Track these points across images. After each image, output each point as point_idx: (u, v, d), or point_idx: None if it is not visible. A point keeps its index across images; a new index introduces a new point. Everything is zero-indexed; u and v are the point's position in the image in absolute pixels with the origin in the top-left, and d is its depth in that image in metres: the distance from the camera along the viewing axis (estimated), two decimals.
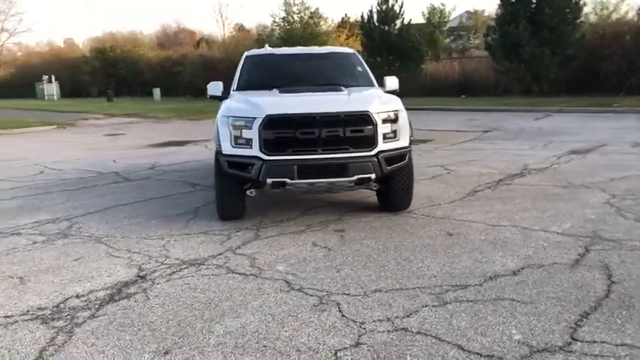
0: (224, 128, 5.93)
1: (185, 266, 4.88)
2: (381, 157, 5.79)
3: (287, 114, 5.71)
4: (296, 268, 4.72)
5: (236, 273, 4.67)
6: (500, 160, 9.84)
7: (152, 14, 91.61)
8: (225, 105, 6.21)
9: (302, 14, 29.21)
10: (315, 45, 26.86)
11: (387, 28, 26.04)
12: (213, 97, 7.05)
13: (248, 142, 5.75)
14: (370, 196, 6.80)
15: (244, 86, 7.02)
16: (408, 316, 3.73)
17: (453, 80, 26.64)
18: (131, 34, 49.36)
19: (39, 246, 5.66)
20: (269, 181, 5.70)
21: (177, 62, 36.71)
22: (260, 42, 29.86)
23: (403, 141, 6.05)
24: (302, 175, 5.67)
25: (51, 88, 39.09)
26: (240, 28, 49.11)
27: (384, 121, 5.89)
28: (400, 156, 6.00)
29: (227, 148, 5.87)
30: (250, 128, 5.73)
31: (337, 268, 4.71)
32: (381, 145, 5.82)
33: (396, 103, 6.15)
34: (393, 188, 6.29)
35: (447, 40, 41.71)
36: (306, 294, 4.18)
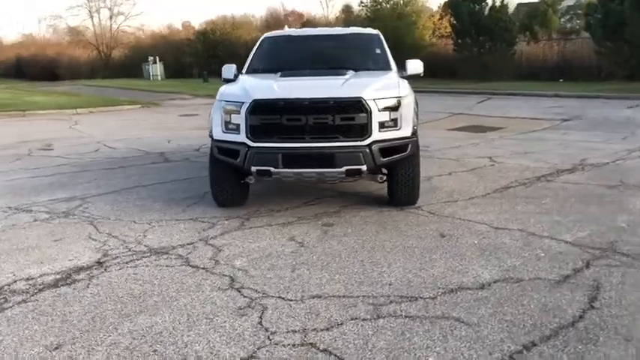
0: (216, 113, 5.72)
1: (148, 255, 4.75)
2: (375, 148, 5.32)
3: (273, 99, 5.39)
4: (253, 265, 4.44)
5: (190, 265, 4.47)
6: (559, 153, 8.92)
7: None
8: (221, 89, 5.98)
9: None
10: (402, 25, 26.11)
11: (476, 7, 24.58)
12: (227, 80, 6.83)
13: (237, 128, 5.51)
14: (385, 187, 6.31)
15: (254, 69, 6.77)
16: (327, 329, 3.35)
17: (552, 63, 24.76)
18: (244, 17, 50.62)
19: (35, 224, 5.76)
20: (253, 169, 5.42)
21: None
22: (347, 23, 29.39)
23: (405, 130, 5.54)
24: (287, 164, 5.35)
25: (155, 69, 40.98)
26: (345, 10, 48.67)
27: (382, 108, 5.40)
28: (400, 147, 5.50)
29: (218, 133, 5.66)
30: (239, 113, 5.48)
31: (295, 267, 4.37)
32: (377, 135, 5.35)
33: (401, 89, 5.63)
34: (396, 182, 5.81)
35: (563, 20, 38.82)
36: (241, 294, 3.89)
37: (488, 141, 10.59)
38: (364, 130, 5.30)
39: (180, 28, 58.52)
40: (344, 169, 5.32)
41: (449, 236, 5.01)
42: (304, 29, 8.94)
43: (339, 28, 7.89)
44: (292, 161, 5.33)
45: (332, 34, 7.43)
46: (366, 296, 3.80)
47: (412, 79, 6.75)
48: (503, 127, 12.70)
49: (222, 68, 6.93)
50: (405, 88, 5.71)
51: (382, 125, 5.41)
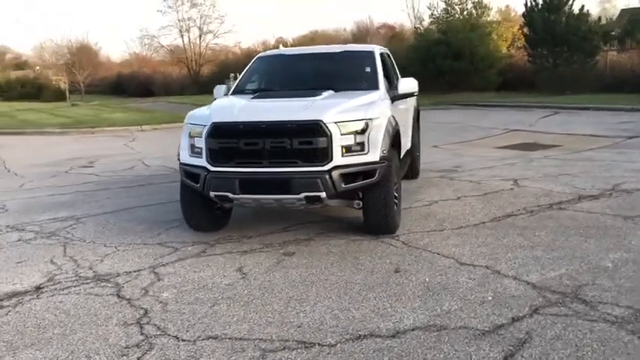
0: (184, 135, 5.63)
1: (88, 282, 4.70)
2: (336, 174, 4.99)
3: (231, 122, 5.22)
4: (178, 297, 4.27)
5: (118, 295, 4.38)
6: (597, 176, 8.11)
7: (348, 11, 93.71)
8: (191, 111, 5.88)
9: (463, 4, 27.39)
10: (475, 37, 25.17)
11: (552, 16, 23.21)
12: None
13: (200, 152, 5.37)
14: None
15: (240, 90, 6.63)
16: None
17: None
18: (335, 31, 50.89)
19: (16, 244, 5.92)
20: (212, 194, 5.26)
21: None
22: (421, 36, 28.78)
23: (372, 155, 5.16)
24: (244, 190, 5.14)
25: None
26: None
27: (347, 132, 5.08)
28: (366, 172, 5.14)
29: (184, 157, 5.56)
30: (201, 136, 5.35)
31: (217, 301, 4.15)
32: (339, 160, 5.03)
33: (370, 111, 5.27)
34: (367, 210, 5.44)
35: None
36: (140, 331, 3.73)
37: (527, 161, 9.84)
38: (324, 155, 4.99)
39: (273, 44, 59.79)
40: (302, 195, 5.03)
41: (403, 272, 4.59)
42: (298, 48, 8.72)
43: (334, 46, 7.59)
44: (249, 187, 5.12)
45: (323, 53, 7.17)
46: (264, 340, 3.51)
47: (406, 98, 6.36)
48: (556, 145, 11.83)
49: (214, 89, 6.84)
50: (377, 110, 5.35)
51: (348, 149, 5.09)
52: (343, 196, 5.26)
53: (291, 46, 43.91)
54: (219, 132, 5.20)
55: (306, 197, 5.04)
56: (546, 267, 4.53)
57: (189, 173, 5.46)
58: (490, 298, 3.98)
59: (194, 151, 5.45)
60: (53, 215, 7.12)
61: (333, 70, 6.69)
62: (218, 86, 6.87)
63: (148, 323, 3.83)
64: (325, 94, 5.73)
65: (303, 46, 41.21)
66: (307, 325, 3.67)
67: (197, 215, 5.77)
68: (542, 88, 23.02)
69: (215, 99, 6.73)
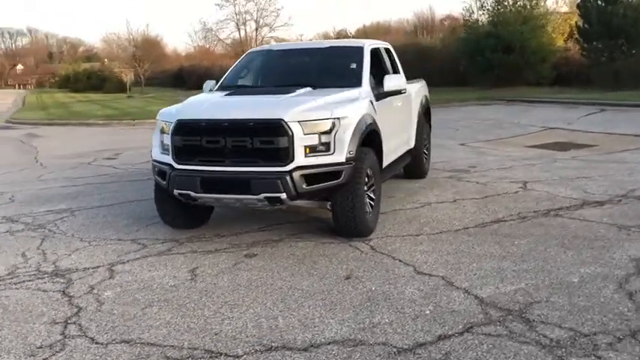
0: (156, 132, 5.60)
1: (44, 277, 4.76)
2: (297, 174, 4.83)
3: (194, 119, 5.15)
4: (117, 297, 4.28)
5: (63, 292, 4.41)
6: (616, 180, 7.61)
7: (411, 2, 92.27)
8: (165, 108, 5.84)
9: None
10: (527, 29, 24.18)
11: (609, 7, 21.94)
12: None
13: (168, 149, 5.33)
14: None
15: (224, 85, 6.55)
16: None
17: None
18: (398, 23, 50.09)
19: (1, 236, 6.03)
20: (175, 192, 5.20)
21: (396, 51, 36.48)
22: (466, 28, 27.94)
23: (338, 156, 4.97)
24: (205, 188, 5.06)
25: None
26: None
27: (311, 131, 4.91)
28: (331, 174, 4.95)
29: (156, 153, 5.54)
30: (168, 133, 5.30)
31: (151, 304, 4.11)
32: (301, 160, 4.87)
33: (339, 110, 5.07)
34: (335, 212, 5.25)
35: None
36: (63, 331, 3.73)
37: (550, 162, 9.33)
38: (285, 155, 4.84)
39: (333, 36, 59.48)
40: (262, 196, 4.90)
41: (354, 279, 4.39)
42: (288, 43, 8.53)
43: (323, 41, 7.40)
44: (210, 186, 5.04)
45: (311, 49, 7.00)
46: (174, 347, 3.41)
47: (389, 96, 6.11)
48: (590, 145, 11.19)
49: (204, 84, 6.79)
50: (346, 109, 5.13)
51: (312, 149, 4.92)
52: (308, 197, 5.08)
53: (351, 36, 43.38)
54: (183, 129, 5.13)
55: (266, 198, 4.91)
56: (506, 280, 4.22)
57: (158, 170, 5.43)
58: (428, 312, 3.73)
59: (164, 148, 5.41)
60: (52, 207, 7.27)
61: (318, 66, 6.51)
62: (208, 81, 6.81)
63: (73, 323, 3.80)
64: (300, 91, 5.57)
65: (362, 37, 40.77)
66: (225, 334, 3.55)
67: (170, 212, 5.73)
68: (597, 83, 21.87)
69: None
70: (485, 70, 24.62)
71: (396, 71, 7.32)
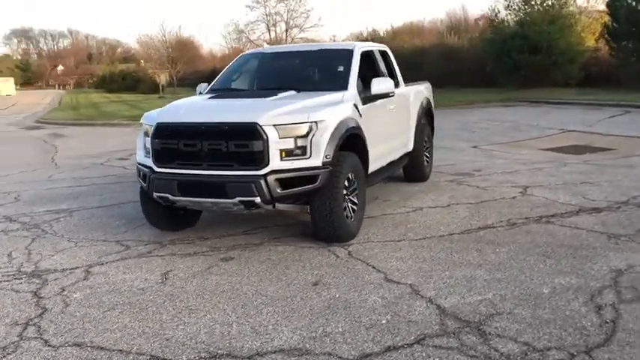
0: (140, 135, 5.64)
1: (20, 277, 4.85)
2: (272, 178, 4.81)
3: (172, 122, 5.18)
4: (84, 299, 4.32)
5: (35, 294, 4.47)
6: (621, 186, 7.38)
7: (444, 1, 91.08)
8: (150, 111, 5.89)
9: None
10: (555, 29, 23.65)
11: (639, 6, 21.26)
12: None
13: (149, 151, 5.38)
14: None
15: (214, 88, 6.57)
16: None
17: None
18: (431, 23, 49.54)
19: None
20: (155, 195, 5.24)
21: (422, 52, 36.13)
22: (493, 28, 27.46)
23: (315, 159, 4.93)
24: (182, 192, 5.09)
25: None
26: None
27: (286, 135, 4.88)
28: (307, 178, 4.92)
29: (139, 156, 5.59)
30: (149, 136, 5.35)
31: (114, 307, 4.14)
32: (277, 164, 4.84)
33: (316, 114, 5.02)
34: (313, 217, 5.21)
35: None
36: (22, 334, 3.78)
37: (558, 166, 9.10)
38: (260, 159, 4.82)
39: (365, 36, 59.10)
40: (237, 199, 4.90)
41: (322, 285, 4.35)
42: (280, 46, 8.47)
43: (314, 44, 7.33)
44: (187, 189, 5.06)
45: (301, 52, 6.96)
46: (122, 351, 3.43)
47: (377, 99, 6.03)
48: (608, 149, 10.89)
49: (197, 86, 6.83)
50: (324, 113, 5.08)
51: (288, 153, 4.89)
52: (285, 201, 5.05)
53: (384, 36, 42.94)
54: (162, 132, 5.16)
55: (241, 202, 4.89)
56: (474, 290, 4.12)
57: (140, 173, 5.47)
58: (384, 321, 3.66)
59: (146, 150, 5.45)
60: (52, 207, 7.40)
61: (306, 69, 6.49)
62: (200, 84, 6.83)
63: (34, 324, 3.85)
64: (283, 94, 5.54)
65: (393, 39, 40.43)
66: (176, 339, 3.55)
67: (154, 214, 5.77)
68: (626, 84, 21.26)
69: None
70: (511, 71, 24.19)
71: (392, 74, 7.23)
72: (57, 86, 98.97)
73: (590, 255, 4.76)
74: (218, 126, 4.93)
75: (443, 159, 10.13)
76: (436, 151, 10.77)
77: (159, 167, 5.19)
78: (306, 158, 4.91)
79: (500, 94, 23.21)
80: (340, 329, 3.58)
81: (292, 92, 5.65)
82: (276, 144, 4.81)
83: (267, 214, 6.01)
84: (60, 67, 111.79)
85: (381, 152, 6.40)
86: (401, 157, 7.45)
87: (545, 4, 25.42)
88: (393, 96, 6.12)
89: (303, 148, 4.91)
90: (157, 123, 5.19)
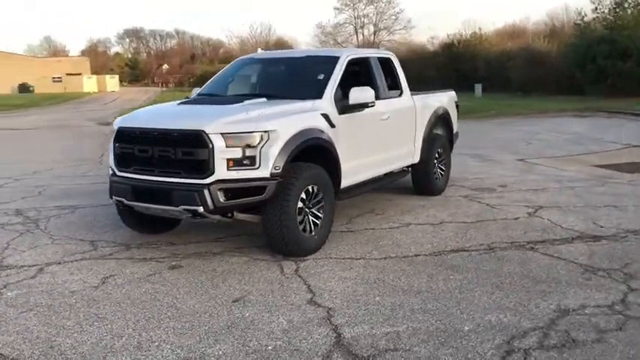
0: (112, 138, 5.74)
1: None
2: (217, 188, 4.73)
3: (129, 127, 5.23)
4: (15, 299, 4.41)
5: None
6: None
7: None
8: None
9: None
10: None
11: None
12: None
13: (113, 155, 5.47)
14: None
15: (199, 93, 6.57)
16: None
17: None
18: (535, 25, 47.80)
19: None
20: (114, 199, 5.31)
21: (512, 56, 34.65)
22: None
23: (263, 170, 4.79)
24: (135, 197, 5.12)
25: None
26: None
27: (234, 144, 4.78)
28: (254, 189, 4.79)
29: (110, 159, 5.68)
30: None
31: (34, 308, 4.22)
32: (222, 173, 4.76)
33: (270, 123, 4.88)
34: (265, 229, 5.07)
35: None
36: None
37: (595, 185, 8.39)
38: (205, 167, 4.75)
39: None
40: (181, 208, 4.85)
41: (242, 302, 4.24)
42: (272, 52, 8.25)
43: (303, 50, 7.13)
44: (139, 195, 5.08)
45: (288, 58, 6.79)
46: (2, 356, 3.45)
47: (357, 109, 5.79)
48: None
49: (192, 91, 6.87)
50: (279, 122, 4.92)
51: (237, 163, 4.78)
52: (223, 212, 4.91)
53: (470, 39, 41.56)
54: (121, 137, 5.22)
55: (185, 210, 4.83)
56: (392, 320, 3.83)
57: (109, 176, 5.55)
58: (270, 348, 3.47)
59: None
60: (63, 203, 7.72)
61: (289, 76, 6.33)
62: (195, 89, 6.86)
63: None
64: (250, 102, 5.44)
65: (479, 43, 38.92)
66: (58, 348, 3.56)
67: (127, 216, 5.82)
68: None
69: None
70: (596, 78, 22.61)
71: (395, 83, 6.92)
72: (160, 84, 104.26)
73: (548, 290, 4.28)
74: (168, 132, 4.90)
75: (475, 172, 9.63)
76: (475, 164, 10.29)
77: (119, 171, 5.24)
78: (254, 169, 4.77)
79: (579, 103, 21.81)
80: (221, 352, 3.43)
81: (262, 100, 5.52)
82: (222, 153, 4.70)
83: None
84: (165, 66, 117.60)
85: (368, 163, 6.13)
86: (403, 169, 7.11)
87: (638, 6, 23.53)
88: (372, 106, 5.82)
89: (252, 158, 4.77)
90: (118, 127, 5.24)
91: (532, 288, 4.35)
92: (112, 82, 72.98)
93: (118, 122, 5.36)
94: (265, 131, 4.80)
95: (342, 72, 5.91)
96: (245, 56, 7.29)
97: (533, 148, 12.88)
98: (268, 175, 4.77)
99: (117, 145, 5.23)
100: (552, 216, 6.52)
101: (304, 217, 5.15)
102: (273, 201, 4.86)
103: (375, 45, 56.21)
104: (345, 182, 5.74)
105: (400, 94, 6.92)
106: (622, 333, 3.53)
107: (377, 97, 6.31)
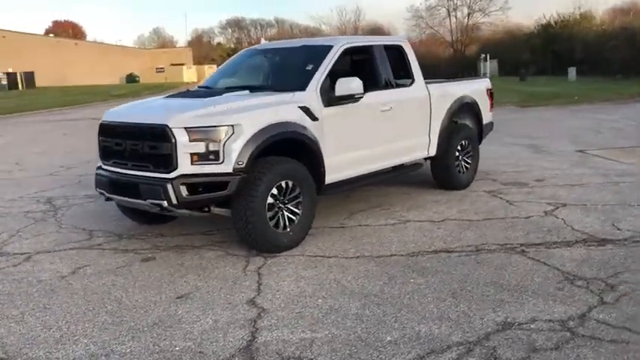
0: None
1: None
2: (180, 183, 4.75)
3: (109, 122, 5.36)
4: None
5: None
6: None
7: None
8: None
9: None
10: None
11: None
12: None
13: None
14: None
15: (199, 86, 6.60)
16: None
17: None
18: None
19: (11, 215, 6.95)
20: (97, 190, 5.48)
21: (613, 36, 32.15)
22: None
23: (227, 165, 4.75)
24: (112, 189, 5.25)
25: (486, 66, 39.91)
26: None
27: (198, 138, 4.77)
28: (216, 184, 4.77)
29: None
30: None
31: None
32: (186, 168, 4.76)
33: (234, 117, 4.81)
34: (233, 223, 5.04)
35: None
36: None
37: (616, 183, 7.60)
38: (169, 162, 4.77)
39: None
40: (148, 202, 4.91)
41: (184, 299, 4.22)
42: (274, 42, 7.96)
43: (300, 40, 6.87)
44: (114, 188, 5.20)
45: (284, 48, 6.61)
46: None
47: (346, 100, 5.58)
48: None
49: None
50: (245, 116, 4.84)
51: (202, 157, 4.76)
52: (188, 207, 4.90)
53: (570, 19, 38.99)
54: (102, 131, 5.36)
55: (152, 204, 4.88)
56: (318, 325, 3.69)
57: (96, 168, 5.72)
58: (177, 349, 3.44)
59: None
60: (91, 192, 8.00)
61: (281, 67, 6.19)
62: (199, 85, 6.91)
63: None
64: (230, 94, 5.40)
65: (579, 24, 36.43)
66: None
67: (123, 208, 5.97)
68: None
69: None
70: None
71: (406, 72, 6.60)
72: None
73: (507, 300, 3.92)
74: (138, 127, 4.97)
75: (518, 164, 9.08)
76: (525, 155, 9.69)
77: (103, 164, 5.37)
78: (218, 163, 4.73)
79: None
80: (129, 350, 3.43)
81: (245, 92, 5.45)
82: (185, 147, 4.69)
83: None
84: None
85: (363, 157, 5.91)
86: (415, 162, 6.80)
87: None
88: (361, 98, 5.56)
89: (216, 153, 4.72)
90: (101, 121, 5.36)
91: (492, 297, 3.99)
92: (210, 71, 75.55)
93: (103, 116, 5.48)
94: (230, 125, 4.72)
95: (332, 62, 5.69)
96: (247, 48, 7.21)
97: (601, 137, 11.91)
98: (231, 170, 4.69)
99: (100, 138, 5.35)
100: (570, 215, 5.98)
101: (277, 212, 5.02)
102: (239, 196, 4.77)
103: (468, 28, 54.21)
104: (331, 177, 5.55)
105: (411, 83, 6.57)
106: (555, 353, 3.15)
107: (378, 87, 6.07)
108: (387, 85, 6.22)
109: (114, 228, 6.13)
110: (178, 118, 4.76)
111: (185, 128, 4.70)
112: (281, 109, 5.08)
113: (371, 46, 6.28)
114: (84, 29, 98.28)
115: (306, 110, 5.25)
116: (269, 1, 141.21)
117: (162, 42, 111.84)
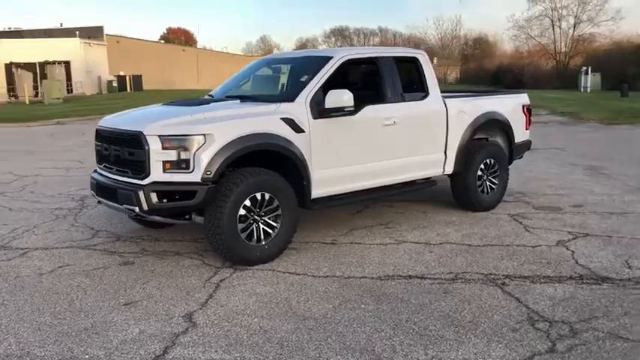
0: None
1: None
2: (150, 189, 4.83)
3: (100, 127, 5.53)
4: None
5: None
6: None
7: None
8: None
9: None
10: None
11: None
12: None
13: None
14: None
15: (209, 94, 6.66)
16: None
17: None
18: None
19: (33, 211, 7.39)
20: (91, 192, 5.69)
21: None
22: None
23: (196, 175, 4.78)
24: (99, 193, 5.42)
25: (587, 80, 37.58)
26: None
27: (170, 146, 4.83)
28: (184, 193, 4.81)
29: None
30: None
31: None
32: (159, 175, 4.83)
33: (207, 126, 4.82)
34: (205, 232, 5.06)
35: None
36: None
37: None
38: (143, 168, 4.86)
39: None
40: (124, 206, 5.03)
41: (130, 306, 4.26)
42: (282, 52, 7.74)
43: (304, 51, 6.70)
44: (99, 191, 5.36)
45: (288, 58, 6.51)
46: None
47: (337, 113, 5.44)
48: None
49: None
50: (215, 126, 4.82)
51: (174, 165, 4.82)
52: (159, 214, 4.93)
53: None
54: (96, 135, 5.54)
55: (127, 209, 4.98)
56: (229, 348, 3.57)
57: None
58: (86, 357, 3.46)
59: None
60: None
61: (281, 77, 6.10)
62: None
63: None
64: (218, 104, 5.44)
65: None
66: None
67: None
68: None
69: None
70: None
71: (421, 85, 6.33)
72: None
73: (447, 338, 3.63)
74: (120, 133, 5.09)
75: (563, 186, 8.49)
76: (575, 177, 9.08)
77: (98, 168, 5.56)
78: (188, 172, 4.74)
79: None
80: (44, 354, 3.51)
81: (236, 101, 5.48)
82: (158, 155, 4.75)
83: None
84: None
85: (359, 172, 5.72)
86: (427, 179, 6.50)
87: None
88: (352, 110, 5.37)
89: (187, 162, 4.74)
90: (97, 126, 5.55)
91: (434, 332, 3.69)
92: None
93: (99, 121, 5.66)
94: (202, 135, 4.72)
95: (328, 74, 5.54)
96: (260, 58, 7.20)
97: None
98: (199, 180, 4.68)
99: (95, 143, 5.53)
100: (584, 247, 5.45)
101: (250, 225, 4.95)
102: (209, 206, 4.75)
103: (573, 39, 51.40)
104: (320, 192, 5.40)
105: (424, 97, 6.28)
106: None
107: (382, 100, 5.86)
108: (393, 99, 5.97)
109: (118, 230, 6.30)
110: (153, 125, 4.81)
111: (159, 136, 4.74)
112: (259, 120, 5.00)
113: (376, 58, 6.05)
114: (195, 36, 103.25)
115: (289, 122, 5.14)
116: (375, 11, 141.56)
117: (268, 50, 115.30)
